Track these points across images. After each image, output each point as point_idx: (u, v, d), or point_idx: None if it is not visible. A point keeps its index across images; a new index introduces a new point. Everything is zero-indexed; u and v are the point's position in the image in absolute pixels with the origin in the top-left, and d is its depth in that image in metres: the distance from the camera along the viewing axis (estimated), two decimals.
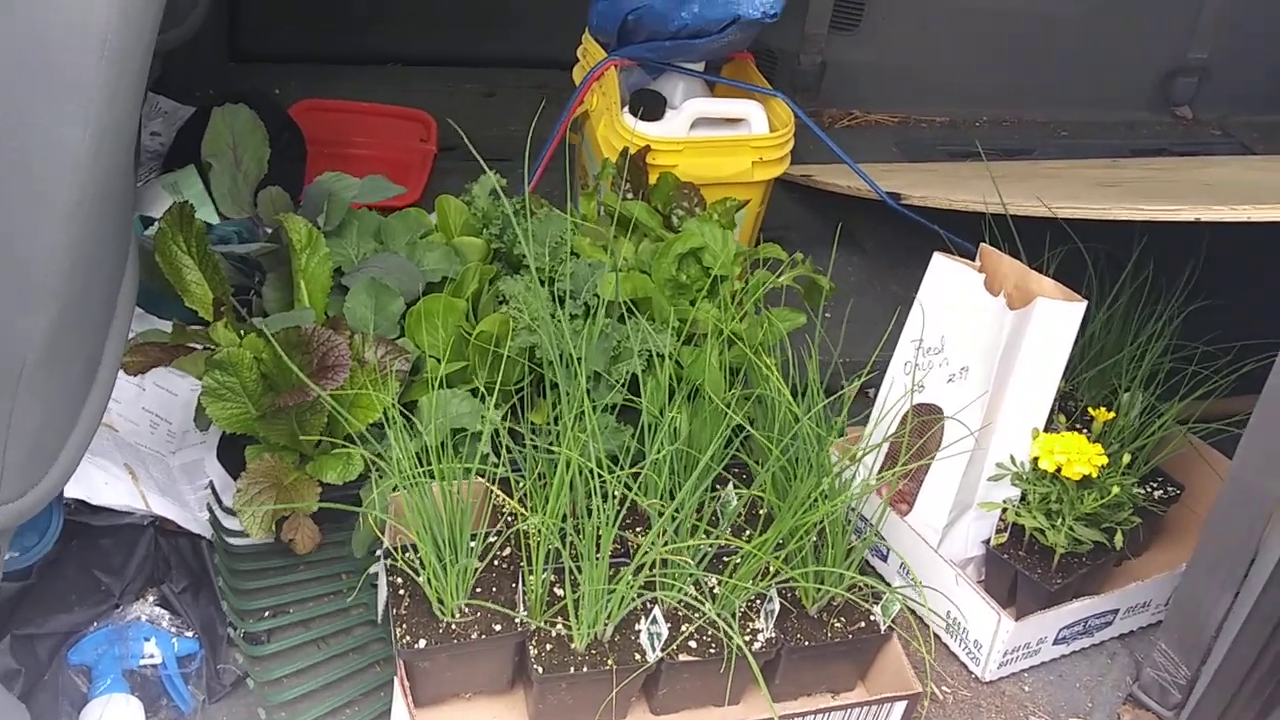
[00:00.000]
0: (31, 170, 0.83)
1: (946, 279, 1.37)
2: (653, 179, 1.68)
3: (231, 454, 1.44)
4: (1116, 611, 1.39)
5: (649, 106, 1.75)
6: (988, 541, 1.40)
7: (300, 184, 2.03)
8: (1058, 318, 1.30)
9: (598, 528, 1.14)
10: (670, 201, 1.64)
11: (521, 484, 1.25)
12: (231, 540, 1.39)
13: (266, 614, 1.34)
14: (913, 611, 1.36)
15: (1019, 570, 1.35)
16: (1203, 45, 2.75)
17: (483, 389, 1.34)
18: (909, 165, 2.42)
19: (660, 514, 1.19)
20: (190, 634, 1.29)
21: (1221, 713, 1.22)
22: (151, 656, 1.27)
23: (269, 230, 1.48)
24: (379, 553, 1.27)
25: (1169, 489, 1.50)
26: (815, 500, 1.17)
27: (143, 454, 1.42)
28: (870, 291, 2.04)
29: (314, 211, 1.47)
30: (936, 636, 1.40)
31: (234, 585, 1.35)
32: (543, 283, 1.41)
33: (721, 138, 1.73)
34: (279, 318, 1.32)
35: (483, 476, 1.24)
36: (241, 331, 1.32)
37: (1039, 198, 1.46)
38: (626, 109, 1.75)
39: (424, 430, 1.33)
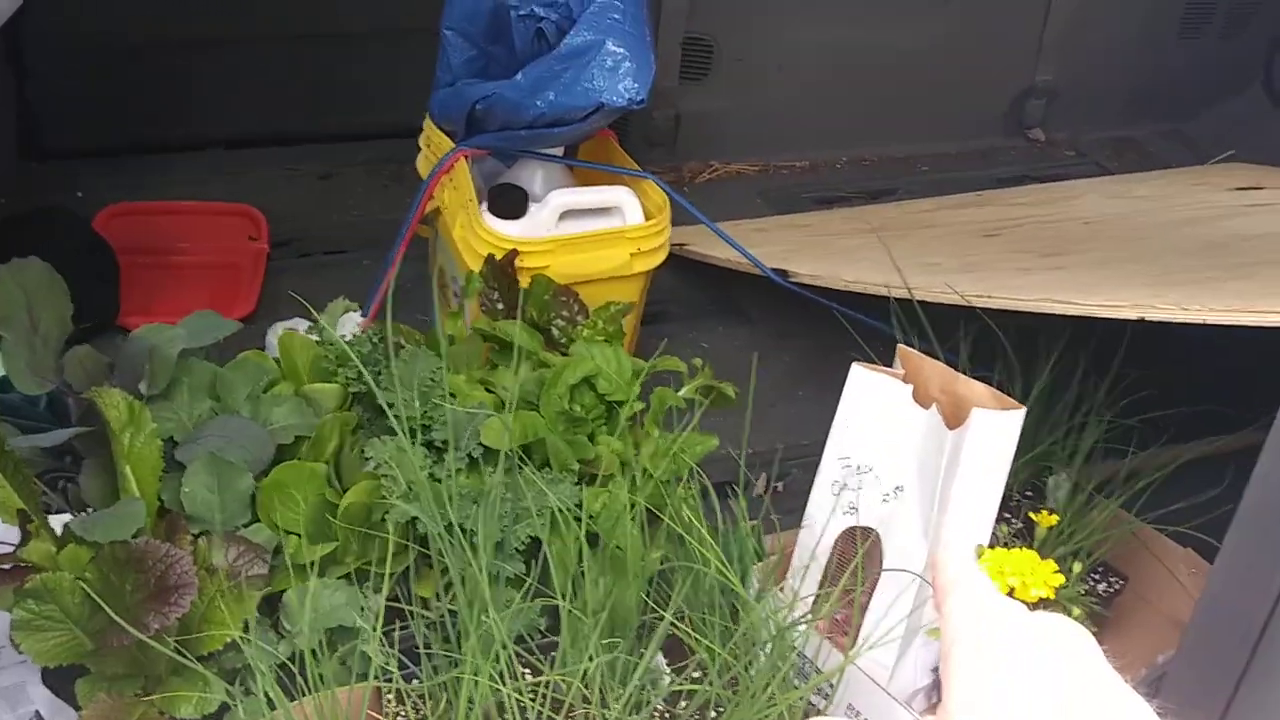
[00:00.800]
0: None
1: (869, 392, 1.24)
2: (523, 281, 1.51)
3: (59, 674, 1.20)
4: None
5: (510, 202, 1.57)
6: (936, 669, 1.28)
7: (114, 309, 1.78)
8: (996, 429, 1.18)
9: None
10: (547, 309, 1.47)
11: (412, 691, 1.06)
12: None
13: None
14: None
15: None
16: (1048, 66, 2.73)
17: (363, 572, 1.15)
18: (778, 219, 2.30)
19: (588, 718, 1.02)
20: None
21: None
22: None
23: (79, 396, 1.25)
24: None
25: (1111, 580, 1.41)
26: (774, 691, 1.02)
27: None
28: (763, 367, 1.90)
29: (133, 373, 1.24)
30: None
31: None
32: (413, 434, 1.22)
33: (595, 232, 1.57)
34: (103, 519, 1.10)
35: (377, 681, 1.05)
36: (58, 540, 1.09)
37: (950, 286, 1.34)
38: (485, 207, 1.57)
39: (293, 632, 1.13)
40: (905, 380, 1.25)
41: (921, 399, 1.24)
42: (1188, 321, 1.03)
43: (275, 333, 1.75)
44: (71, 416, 1.27)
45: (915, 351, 1.27)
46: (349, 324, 1.65)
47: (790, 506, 1.42)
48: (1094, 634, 1.24)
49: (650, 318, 1.86)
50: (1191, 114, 2.83)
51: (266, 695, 0.99)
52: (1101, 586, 1.40)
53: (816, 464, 1.31)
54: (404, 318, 1.62)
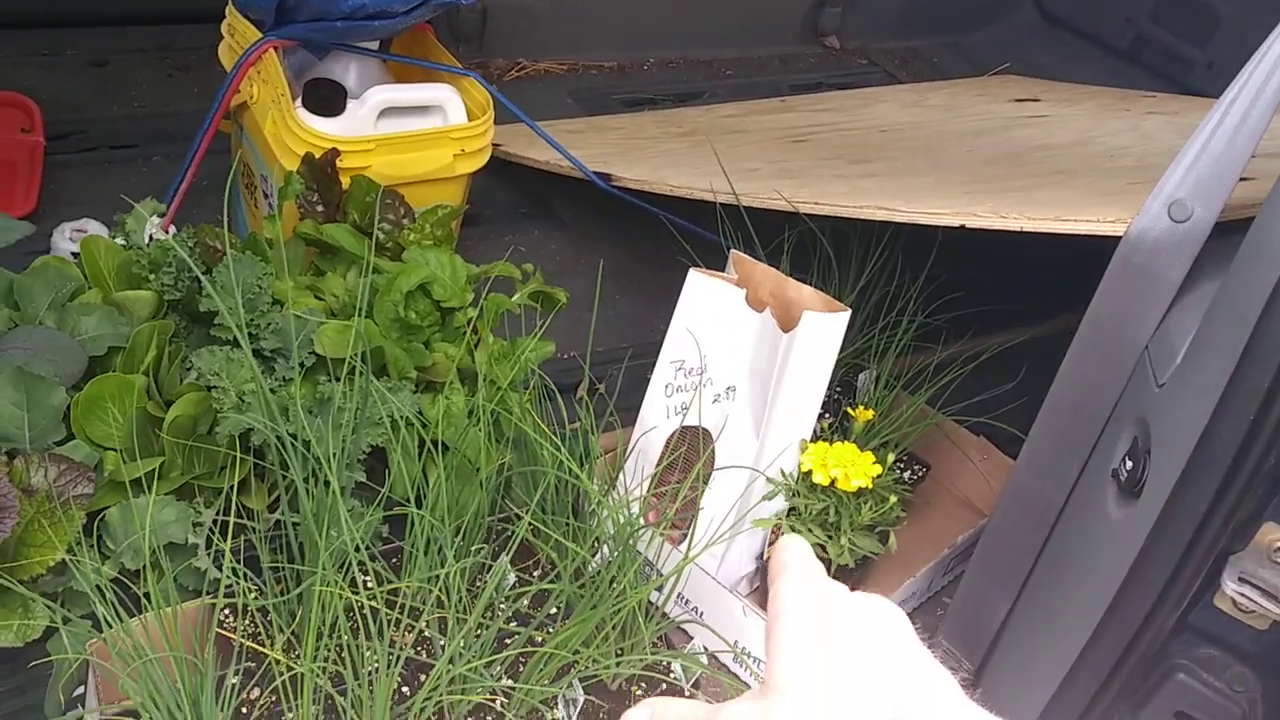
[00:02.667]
0: None
1: (705, 296, 1.27)
2: (342, 183, 1.45)
3: None
4: None
5: (326, 98, 1.50)
6: (760, 555, 1.35)
7: None
8: (824, 330, 1.24)
9: (371, 673, 0.96)
10: (369, 212, 1.42)
11: (255, 605, 1.04)
12: None
13: None
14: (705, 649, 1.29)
15: None
16: None
17: (193, 486, 1.10)
18: (590, 120, 2.29)
19: (439, 621, 1.02)
20: None
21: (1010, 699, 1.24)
22: None
23: None
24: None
25: (915, 468, 1.51)
26: (626, 588, 1.05)
27: None
28: (578, 271, 1.91)
29: None
30: (725, 667, 1.34)
31: None
32: (238, 344, 1.16)
33: (418, 132, 1.52)
34: None
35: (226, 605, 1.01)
36: None
37: (778, 191, 1.38)
38: (299, 102, 1.50)
39: (118, 552, 1.08)
40: (738, 285, 1.29)
41: (754, 303, 1.28)
42: (1004, 229, 1.10)
43: (63, 234, 1.62)
44: None
45: (747, 257, 1.31)
46: (148, 226, 1.55)
47: (616, 407, 1.45)
48: (902, 518, 1.33)
49: (463, 219, 1.83)
50: (971, 28, 2.98)
51: (95, 618, 0.95)
52: (908, 474, 1.50)
53: (636, 366, 1.34)
54: (202, 218, 1.53)
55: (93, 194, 1.82)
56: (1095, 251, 1.07)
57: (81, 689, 1.07)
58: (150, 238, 1.44)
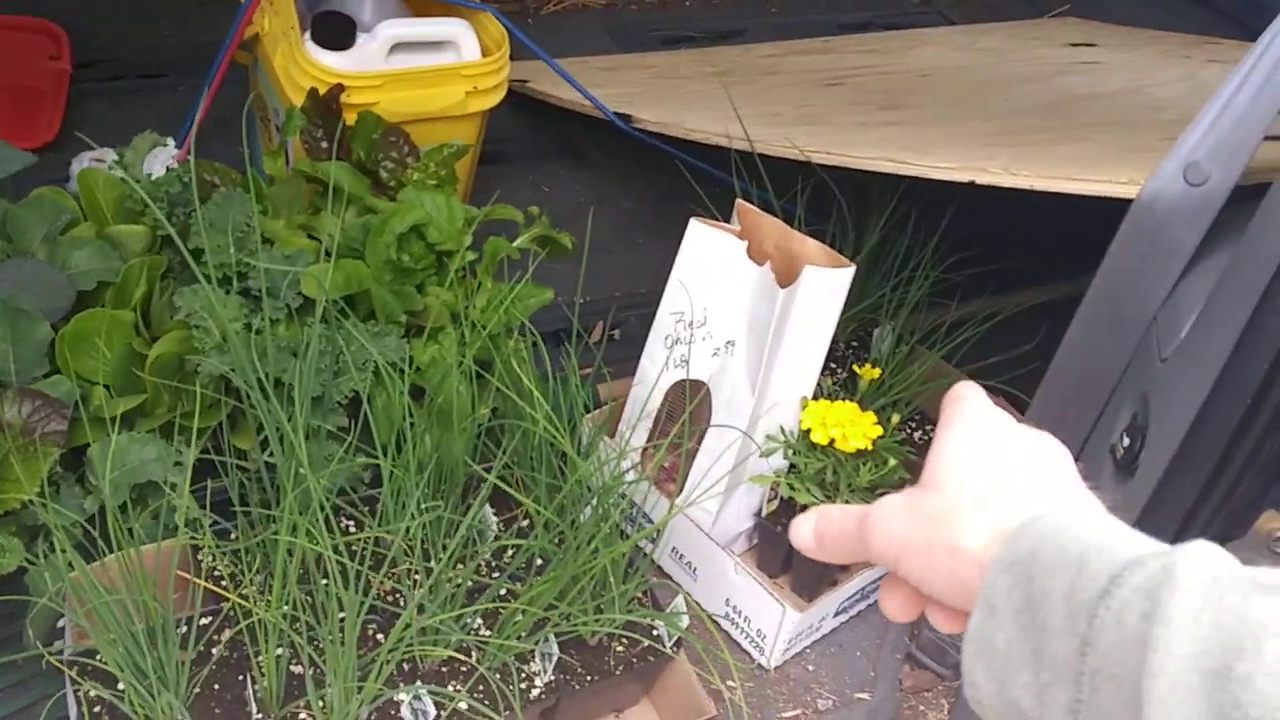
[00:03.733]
0: None
1: (706, 248, 1.23)
2: (349, 118, 1.42)
3: None
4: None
5: (336, 32, 1.47)
6: (758, 513, 1.32)
7: None
8: (826, 285, 1.19)
9: (340, 618, 0.95)
10: (374, 150, 1.40)
11: (228, 547, 1.04)
12: None
13: None
14: (698, 603, 1.27)
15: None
16: None
17: (176, 424, 1.10)
18: (624, 58, 2.23)
19: (411, 573, 1.01)
20: None
21: None
22: None
23: None
24: (60, 657, 1.03)
25: (926, 428, 1.47)
26: (598, 545, 1.03)
27: None
28: (602, 213, 1.87)
29: None
30: (717, 625, 1.32)
31: None
32: (228, 282, 1.15)
33: (428, 67, 1.49)
34: None
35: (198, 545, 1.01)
36: None
37: (790, 140, 1.32)
38: (308, 35, 1.47)
39: (99, 487, 1.08)
40: (741, 236, 1.24)
41: (756, 255, 1.24)
42: (1015, 187, 1.04)
43: (81, 163, 1.62)
44: None
45: (753, 207, 1.26)
46: (161, 158, 1.54)
47: (627, 355, 1.42)
48: (907, 480, 1.30)
49: (487, 158, 1.80)
50: None
51: (66, 553, 0.95)
52: (918, 435, 1.45)
53: (654, 313, 1.31)
54: (223, 151, 1.52)
55: (117, 123, 1.81)
56: (1123, 211, 1.01)
57: (63, 623, 1.08)
58: (166, 169, 1.43)
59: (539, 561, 1.16)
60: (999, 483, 0.48)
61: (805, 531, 0.54)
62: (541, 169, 1.98)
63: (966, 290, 1.45)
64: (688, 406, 1.26)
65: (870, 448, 1.23)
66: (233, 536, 1.10)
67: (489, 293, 1.31)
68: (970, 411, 0.52)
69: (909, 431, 1.45)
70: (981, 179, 1.07)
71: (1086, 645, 0.39)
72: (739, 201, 1.27)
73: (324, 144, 1.41)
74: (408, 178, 1.37)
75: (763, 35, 2.45)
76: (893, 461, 1.24)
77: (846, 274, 1.20)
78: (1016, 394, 1.32)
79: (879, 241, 1.46)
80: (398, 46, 1.49)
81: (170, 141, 1.49)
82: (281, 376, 1.08)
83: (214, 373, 1.09)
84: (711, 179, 1.65)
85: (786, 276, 1.21)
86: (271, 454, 1.10)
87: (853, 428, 1.22)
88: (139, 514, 1.07)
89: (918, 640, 1.32)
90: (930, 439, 1.40)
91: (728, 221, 1.30)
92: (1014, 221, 1.56)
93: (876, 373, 1.35)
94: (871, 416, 1.24)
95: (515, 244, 1.33)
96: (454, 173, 1.39)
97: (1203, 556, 0.40)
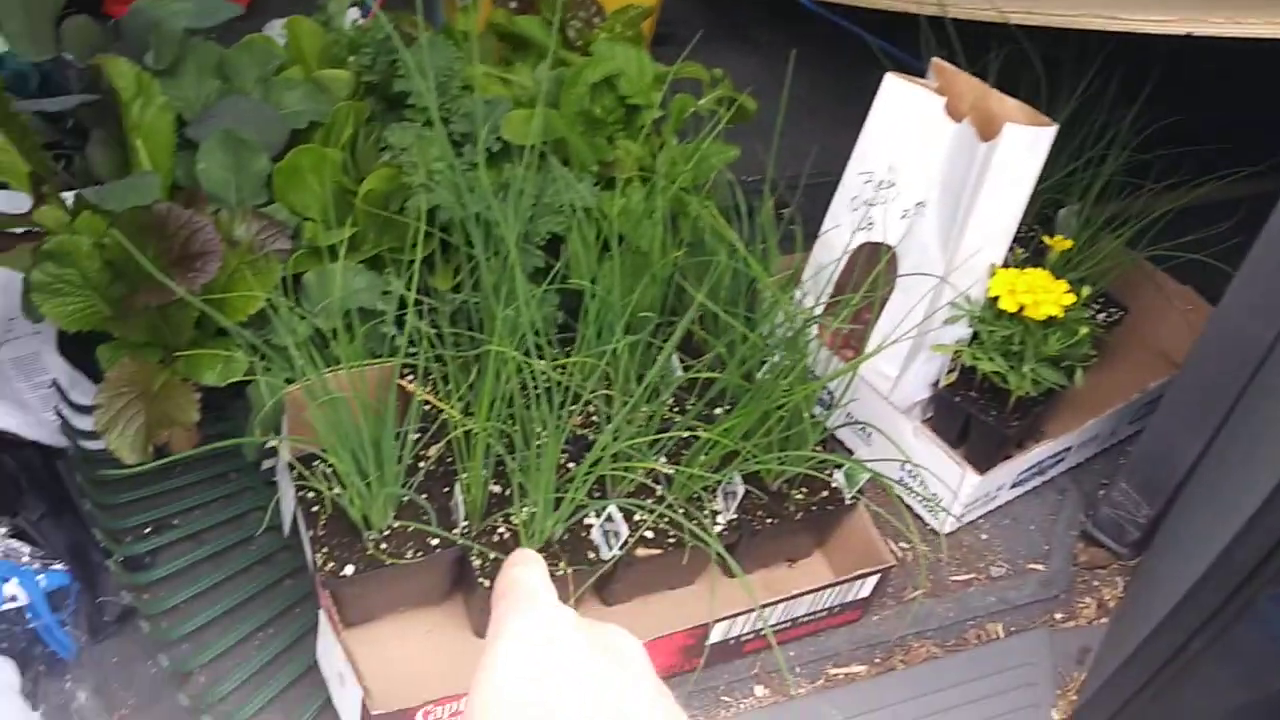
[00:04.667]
0: None
1: (901, 103, 1.21)
2: None
3: (76, 344, 1.20)
4: (1070, 449, 1.34)
5: None
6: (936, 383, 1.31)
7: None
8: (1026, 144, 1.17)
9: (541, 435, 0.99)
10: (563, 9, 1.41)
11: (436, 372, 1.08)
12: (89, 445, 1.18)
13: (147, 531, 1.16)
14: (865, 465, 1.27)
15: (973, 414, 1.27)
16: None
17: (384, 258, 1.14)
18: None
19: (606, 401, 1.04)
20: (58, 565, 1.10)
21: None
22: (14, 599, 1.07)
23: (81, 67, 1.20)
24: (278, 461, 1.09)
25: (1111, 311, 1.43)
26: (791, 385, 1.04)
27: None
28: (773, 96, 1.86)
29: (136, 47, 1.18)
30: (891, 487, 1.32)
31: (101, 500, 1.15)
32: (430, 125, 1.18)
33: None
34: (118, 188, 1.07)
35: (408, 367, 1.06)
36: (71, 209, 1.07)
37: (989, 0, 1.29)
38: None
39: (314, 312, 1.13)
40: (939, 93, 1.22)
41: (953, 113, 1.22)
42: (1239, 36, 1.00)
43: (273, 28, 1.68)
44: (72, 92, 1.23)
45: (949, 65, 1.24)
46: (348, 18, 1.58)
47: (803, 233, 1.42)
48: (1092, 356, 1.26)
49: (656, 39, 1.80)
50: None
51: (293, 364, 1.00)
52: (1102, 316, 1.42)
53: (827, 191, 1.30)
54: (401, 10, 1.55)
55: None
56: None
57: (271, 442, 1.14)
58: (353, 24, 1.47)
59: (726, 407, 1.18)
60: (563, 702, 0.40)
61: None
62: (709, 50, 1.96)
63: (1159, 172, 1.40)
64: (873, 270, 1.26)
65: (1061, 316, 1.21)
66: (435, 363, 1.14)
67: (673, 150, 1.32)
68: (516, 627, 0.43)
69: (1093, 311, 1.42)
70: (1200, 30, 1.03)
71: None
72: (935, 60, 1.25)
73: (513, 4, 1.43)
74: (594, 37, 1.39)
75: None
76: (1084, 330, 1.21)
77: (1047, 133, 1.17)
78: (1207, 278, 1.27)
79: (1071, 116, 1.41)
80: None
81: (355, 10, 1.53)
82: (485, 213, 1.11)
83: (421, 208, 1.13)
84: (888, 58, 1.61)
85: (984, 137, 1.19)
86: (465, 289, 1.13)
87: (1045, 294, 1.20)
88: (351, 339, 1.12)
89: (1095, 518, 1.30)
90: (1115, 321, 1.35)
91: None
92: (1211, 101, 1.49)
93: (1069, 243, 1.32)
94: (1064, 284, 1.22)
95: (701, 103, 1.33)
96: (640, 32, 1.39)
97: None
